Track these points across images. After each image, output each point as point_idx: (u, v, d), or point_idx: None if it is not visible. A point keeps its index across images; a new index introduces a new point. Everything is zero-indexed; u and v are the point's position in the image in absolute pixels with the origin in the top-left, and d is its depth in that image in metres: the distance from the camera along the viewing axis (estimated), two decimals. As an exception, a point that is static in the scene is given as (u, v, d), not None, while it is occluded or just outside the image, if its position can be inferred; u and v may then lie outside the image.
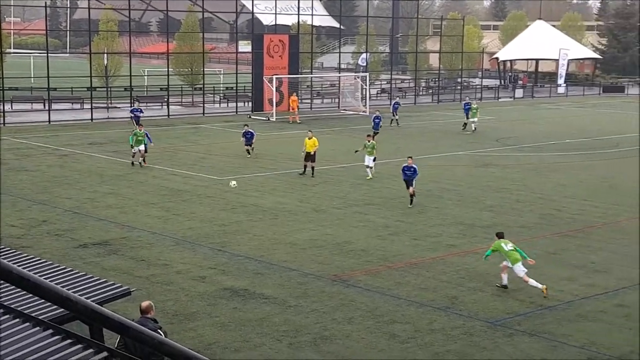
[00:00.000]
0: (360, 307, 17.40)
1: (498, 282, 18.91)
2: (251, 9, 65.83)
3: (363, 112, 58.44)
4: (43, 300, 6.71)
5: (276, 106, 54.65)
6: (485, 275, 19.72)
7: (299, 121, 52.21)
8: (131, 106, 49.01)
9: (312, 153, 32.38)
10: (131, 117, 45.59)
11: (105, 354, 5.78)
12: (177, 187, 30.12)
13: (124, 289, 12.92)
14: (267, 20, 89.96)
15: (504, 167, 35.77)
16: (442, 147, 41.67)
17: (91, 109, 52.06)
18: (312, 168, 32.47)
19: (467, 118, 48.83)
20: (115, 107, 57.54)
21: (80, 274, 13.45)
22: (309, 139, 32.74)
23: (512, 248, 18.63)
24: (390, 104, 54.27)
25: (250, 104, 58.92)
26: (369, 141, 32.47)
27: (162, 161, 35.82)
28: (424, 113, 60.13)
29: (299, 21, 63.82)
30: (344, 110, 60.02)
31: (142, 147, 34.23)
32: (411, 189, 27.40)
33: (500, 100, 73.16)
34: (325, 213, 26.31)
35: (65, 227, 23.85)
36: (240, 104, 59.35)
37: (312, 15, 65.44)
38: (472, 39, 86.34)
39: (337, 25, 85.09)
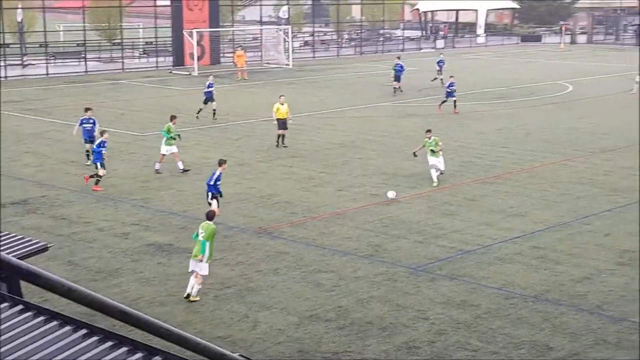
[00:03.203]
0: (286, 259, 17.56)
1: (419, 230, 19.30)
2: (169, -39, 64.27)
3: (286, 65, 58.17)
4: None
5: (198, 60, 53.93)
6: (407, 223, 20.10)
7: (246, 77, 51.31)
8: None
9: (285, 120, 29.10)
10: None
11: (21, 306, 5.76)
12: (98, 145, 29.54)
13: (41, 245, 12.75)
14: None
15: (426, 117, 36.19)
16: (365, 99, 41.88)
17: (5, 66, 50.45)
18: (283, 136, 29.20)
19: (440, 73, 46.39)
20: (30, 65, 55.86)
21: (-3, 233, 13.20)
22: (282, 104, 29.16)
23: None
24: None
25: (171, 58, 57.97)
26: (429, 138, 24.29)
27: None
28: (347, 65, 60.23)
29: (218, -27, 62.74)
30: (267, 63, 59.62)
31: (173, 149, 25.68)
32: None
33: (422, 51, 73.69)
34: (249, 167, 26.29)
35: (-18, 188, 23.25)
36: (160, 59, 58.33)
37: (231, -33, 64.43)
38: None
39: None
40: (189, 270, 15.41)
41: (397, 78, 43.48)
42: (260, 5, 68.69)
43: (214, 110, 35.24)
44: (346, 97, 42.44)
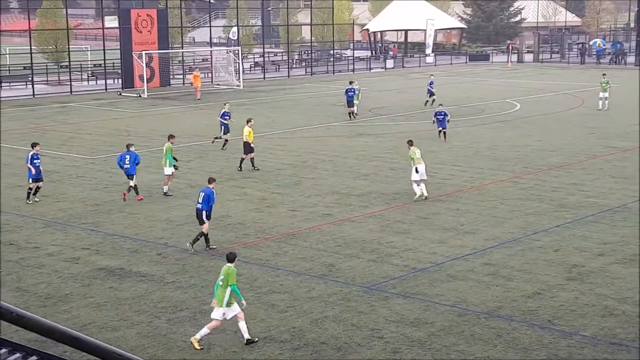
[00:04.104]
0: (239, 280, 17.35)
1: (377, 245, 19.36)
2: (117, -17, 64.00)
3: (237, 86, 58.14)
4: None
5: (147, 82, 53.65)
6: (361, 242, 20.15)
7: (199, 97, 51.17)
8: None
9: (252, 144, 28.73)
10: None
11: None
12: (46, 168, 29.08)
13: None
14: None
15: (377, 136, 36.45)
16: (316, 119, 42.03)
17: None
18: (252, 159, 28.83)
19: (430, 96, 45.55)
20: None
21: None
22: (250, 127, 28.75)
23: None
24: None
25: (120, 80, 57.53)
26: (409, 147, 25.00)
27: (29, 142, 34.48)
28: (298, 86, 60.42)
29: (167, -5, 62.60)
30: (218, 84, 59.53)
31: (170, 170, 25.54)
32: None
33: (372, 71, 74.29)
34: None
35: None
36: (109, 81, 57.86)
37: (180, -12, 64.36)
38: (343, 11, 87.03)
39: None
40: (227, 319, 14.22)
41: (350, 103, 41.49)
42: (210, 26, 68.64)
43: (226, 140, 32.83)
44: (297, 118, 42.53)
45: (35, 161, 24.46)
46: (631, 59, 79.27)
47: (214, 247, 19.76)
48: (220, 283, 14.13)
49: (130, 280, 17.42)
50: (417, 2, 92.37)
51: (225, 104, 34.33)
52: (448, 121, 34.78)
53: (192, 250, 19.39)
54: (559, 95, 52.58)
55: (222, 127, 32.86)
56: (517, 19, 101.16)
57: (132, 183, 24.45)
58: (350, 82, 42.94)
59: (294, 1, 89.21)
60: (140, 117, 42.81)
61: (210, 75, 62.25)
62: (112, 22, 73.88)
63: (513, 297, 16.35)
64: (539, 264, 18.46)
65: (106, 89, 56.10)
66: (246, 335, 14.15)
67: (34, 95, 52.74)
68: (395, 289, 16.90)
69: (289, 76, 67.93)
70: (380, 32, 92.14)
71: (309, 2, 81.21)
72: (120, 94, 53.59)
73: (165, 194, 25.07)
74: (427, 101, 46.13)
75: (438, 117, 34.75)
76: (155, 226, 21.74)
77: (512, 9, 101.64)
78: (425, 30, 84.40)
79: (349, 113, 41.68)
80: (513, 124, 40.05)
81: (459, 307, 15.90)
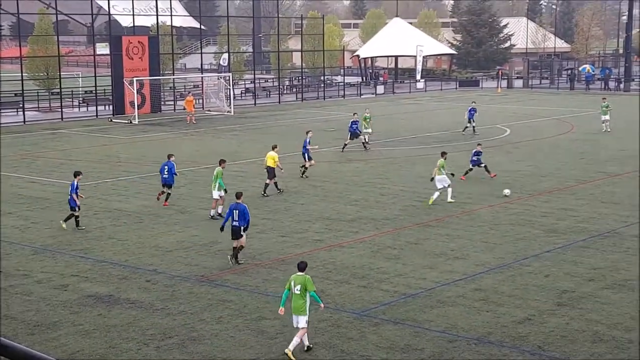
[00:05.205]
0: (229, 306, 17.39)
1: (365, 270, 19.32)
2: (108, 11, 64.17)
3: (227, 112, 58.27)
4: None
5: (138, 109, 53.73)
6: (351, 268, 20.11)
7: (194, 122, 51.98)
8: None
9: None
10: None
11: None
12: (36, 195, 29.11)
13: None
14: (125, 21, 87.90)
15: (367, 161, 36.51)
16: (306, 145, 41.97)
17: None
18: (276, 183, 29.29)
19: (470, 122, 45.62)
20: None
21: None
22: (276, 152, 29.32)
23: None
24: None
25: (111, 107, 57.57)
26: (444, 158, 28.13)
27: (20, 169, 34.50)
28: (289, 111, 60.57)
29: (157, 22, 62.87)
30: (209, 110, 59.65)
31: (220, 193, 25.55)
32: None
33: (362, 96, 74.58)
34: (192, 214, 26.10)
35: None
36: (100, 108, 57.92)
37: (171, 15, 64.64)
38: (333, 37, 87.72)
39: (198, 25, 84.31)
40: (295, 326, 14.82)
41: (353, 134, 39.56)
42: (201, 53, 68.89)
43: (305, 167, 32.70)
44: (288, 143, 42.55)
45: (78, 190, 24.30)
46: (612, 84, 79.80)
47: (242, 262, 20.33)
48: (297, 292, 14.67)
49: (119, 307, 17.33)
50: (407, 28, 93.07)
51: (308, 132, 33.85)
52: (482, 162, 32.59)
53: (232, 264, 20.17)
54: (548, 121, 52.87)
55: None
56: (507, 45, 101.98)
57: (168, 190, 26.73)
58: (354, 114, 41.60)
59: (284, 27, 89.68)
60: (131, 144, 42.81)
61: (201, 101, 62.40)
62: (103, 48, 73.97)
63: (503, 323, 16.32)
64: (530, 289, 18.45)
65: (97, 116, 56.12)
66: (306, 343, 14.95)
67: (24, 122, 52.72)
68: (385, 315, 16.85)
69: (279, 102, 68.11)
70: (371, 58, 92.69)
71: (300, 29, 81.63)
72: (111, 120, 53.62)
73: (212, 217, 25.17)
74: (467, 127, 45.55)
75: (477, 157, 32.43)
76: (144, 252, 21.67)
77: (501, 35, 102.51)
78: (415, 56, 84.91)
79: (346, 144, 39.97)
80: (503, 149, 40.21)
81: (449, 333, 15.86)
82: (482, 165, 32.03)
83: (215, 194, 25.42)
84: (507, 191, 28.54)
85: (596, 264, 20.41)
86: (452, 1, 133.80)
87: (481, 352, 14.93)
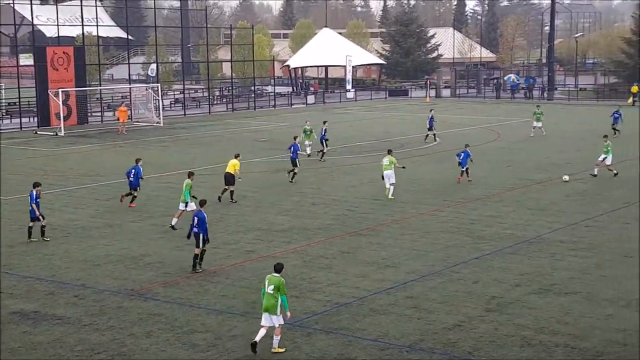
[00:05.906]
0: (160, 320, 17.14)
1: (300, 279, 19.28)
2: (32, 21, 62.85)
3: (157, 123, 57.61)
4: None
5: (64, 120, 52.73)
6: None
7: (125, 132, 51.66)
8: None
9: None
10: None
11: None
12: (-42, 210, 28.21)
13: None
14: (50, 32, 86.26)
15: (299, 171, 36.46)
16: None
17: None
18: (232, 192, 29.49)
19: (430, 129, 45.92)
20: None
21: None
22: (238, 160, 29.86)
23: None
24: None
25: (36, 119, 56.32)
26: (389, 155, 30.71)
27: (-60, 183, 33.38)
28: (219, 122, 60.22)
29: (83, 32, 61.88)
30: (137, 121, 58.87)
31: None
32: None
33: (293, 106, 74.68)
34: (120, 227, 25.67)
35: None
36: (25, 120, 56.59)
37: (97, 25, 63.71)
38: (263, 47, 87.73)
39: (125, 35, 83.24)
40: (262, 324, 15.36)
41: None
42: (129, 63, 67.99)
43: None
44: (218, 154, 42.29)
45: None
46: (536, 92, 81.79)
47: (200, 270, 20.59)
48: (271, 292, 15.18)
49: (45, 323, 16.90)
50: (336, 38, 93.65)
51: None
52: (471, 160, 33.73)
53: (200, 270, 20.65)
54: (476, 129, 53.77)
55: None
56: (435, 55, 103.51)
57: (135, 193, 28.14)
58: (324, 122, 41.98)
59: (214, 37, 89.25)
60: (57, 156, 41.93)
61: (130, 112, 61.55)
62: (27, 59, 72.45)
63: (434, 330, 16.48)
64: (459, 296, 18.68)
65: (21, 128, 54.82)
66: (257, 339, 15.26)
67: (-55, 134, 51.16)
68: (318, 325, 16.84)
69: (210, 112, 67.67)
70: (301, 68, 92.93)
71: (230, 39, 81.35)
72: (36, 133, 52.46)
73: (172, 227, 25.03)
74: (427, 135, 46.55)
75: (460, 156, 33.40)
76: (72, 267, 21.21)
77: (429, 45, 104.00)
78: (344, 66, 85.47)
79: (323, 152, 39.82)
80: (433, 158, 40.73)
81: (381, 341, 15.93)
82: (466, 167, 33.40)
83: (181, 206, 25.31)
84: (566, 177, 32.07)
85: (523, 269, 20.81)
86: (381, 11, 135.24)
87: (413, 359, 15.03)
